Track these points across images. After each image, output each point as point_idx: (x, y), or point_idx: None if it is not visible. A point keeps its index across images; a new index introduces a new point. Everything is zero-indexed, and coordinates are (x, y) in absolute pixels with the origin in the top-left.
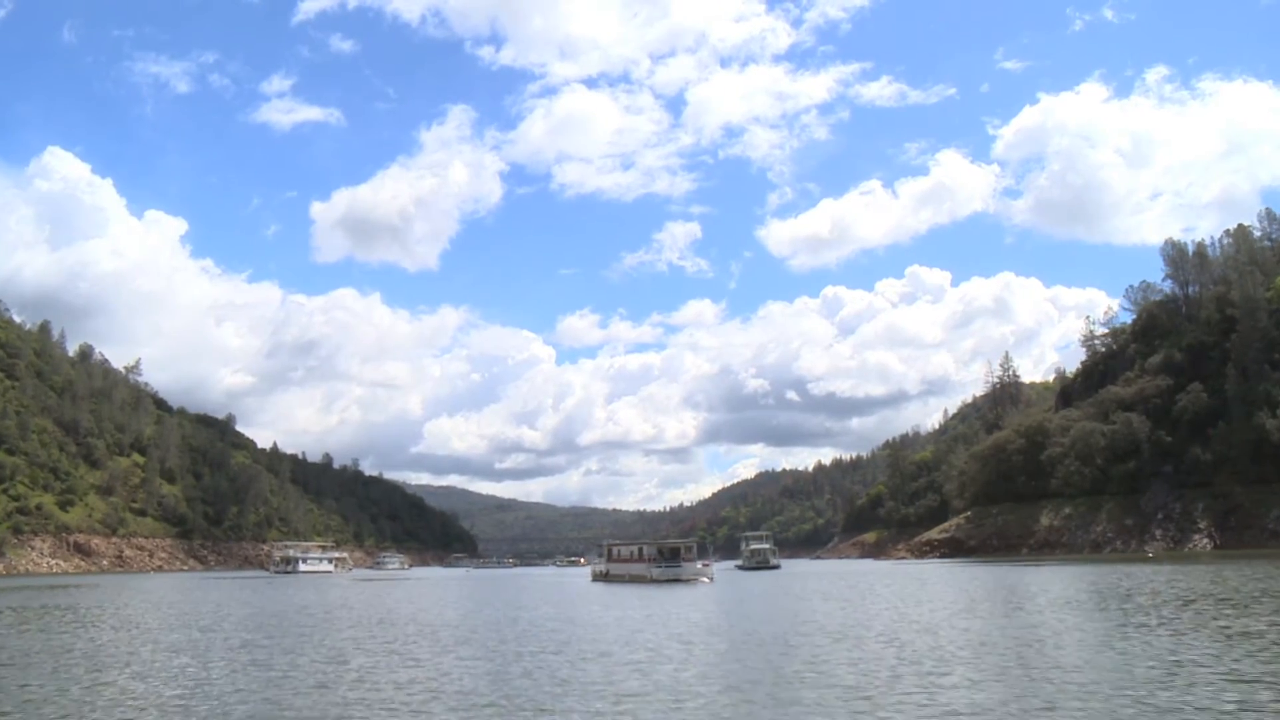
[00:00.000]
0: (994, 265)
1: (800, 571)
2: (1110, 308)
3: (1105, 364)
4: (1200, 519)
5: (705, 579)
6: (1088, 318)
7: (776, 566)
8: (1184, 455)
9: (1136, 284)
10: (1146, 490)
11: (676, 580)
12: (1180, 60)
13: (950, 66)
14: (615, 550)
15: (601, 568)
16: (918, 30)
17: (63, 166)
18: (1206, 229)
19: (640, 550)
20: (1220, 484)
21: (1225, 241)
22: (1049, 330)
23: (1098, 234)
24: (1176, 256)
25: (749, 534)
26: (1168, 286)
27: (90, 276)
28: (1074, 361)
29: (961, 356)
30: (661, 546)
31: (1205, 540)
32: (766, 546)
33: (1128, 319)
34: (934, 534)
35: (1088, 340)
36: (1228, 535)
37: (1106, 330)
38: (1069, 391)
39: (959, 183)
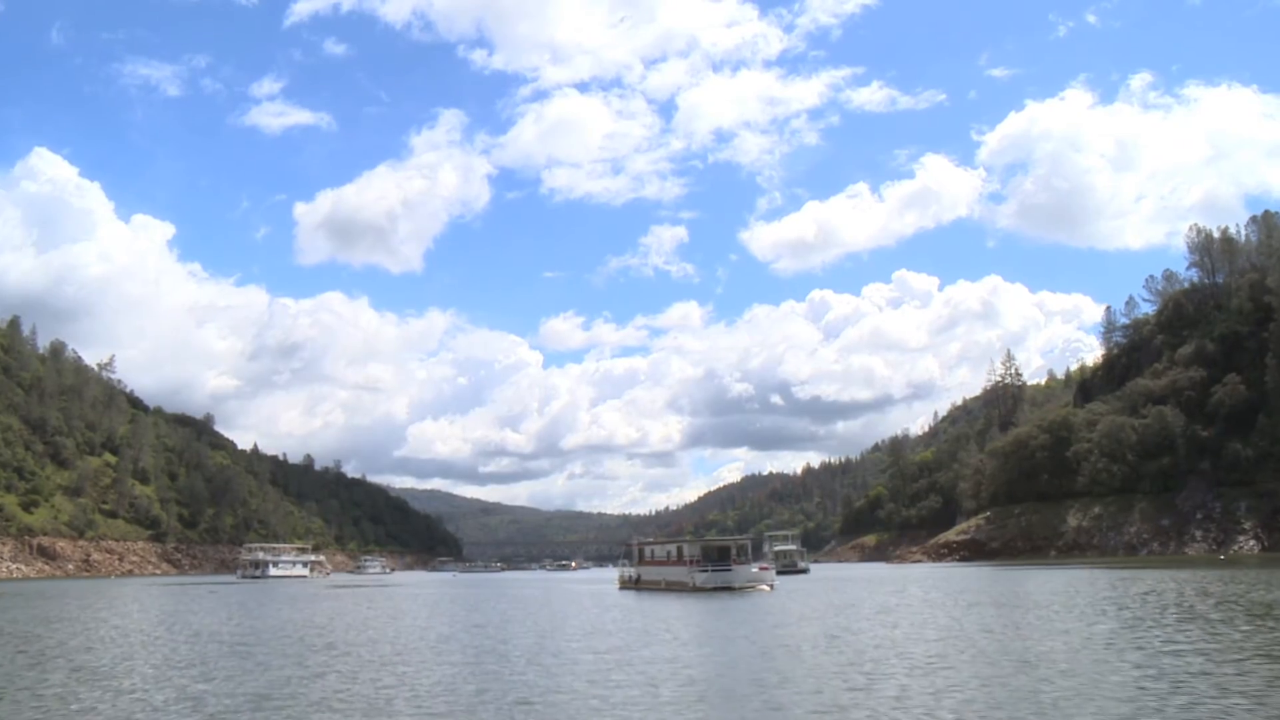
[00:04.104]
0: (979, 269)
1: (831, 576)
2: (1099, 312)
3: (1128, 356)
4: (1244, 519)
5: (765, 586)
6: (1108, 307)
7: (805, 570)
8: (1222, 451)
9: (1159, 274)
10: (1182, 488)
11: (727, 588)
12: (1164, 66)
13: (940, 72)
14: (648, 551)
15: (631, 572)
16: (909, 36)
17: (50, 168)
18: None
19: (679, 551)
20: (1264, 481)
21: (1250, 229)
22: (1035, 335)
23: (1080, 238)
24: (1203, 244)
25: (774, 533)
26: (1192, 276)
27: (76, 280)
28: (1063, 367)
29: (947, 361)
30: (706, 546)
31: (1252, 541)
32: (794, 548)
33: (1148, 310)
34: (951, 535)
35: (1108, 331)
36: (1276, 536)
37: (1128, 321)
38: (1089, 386)
39: (944, 187)
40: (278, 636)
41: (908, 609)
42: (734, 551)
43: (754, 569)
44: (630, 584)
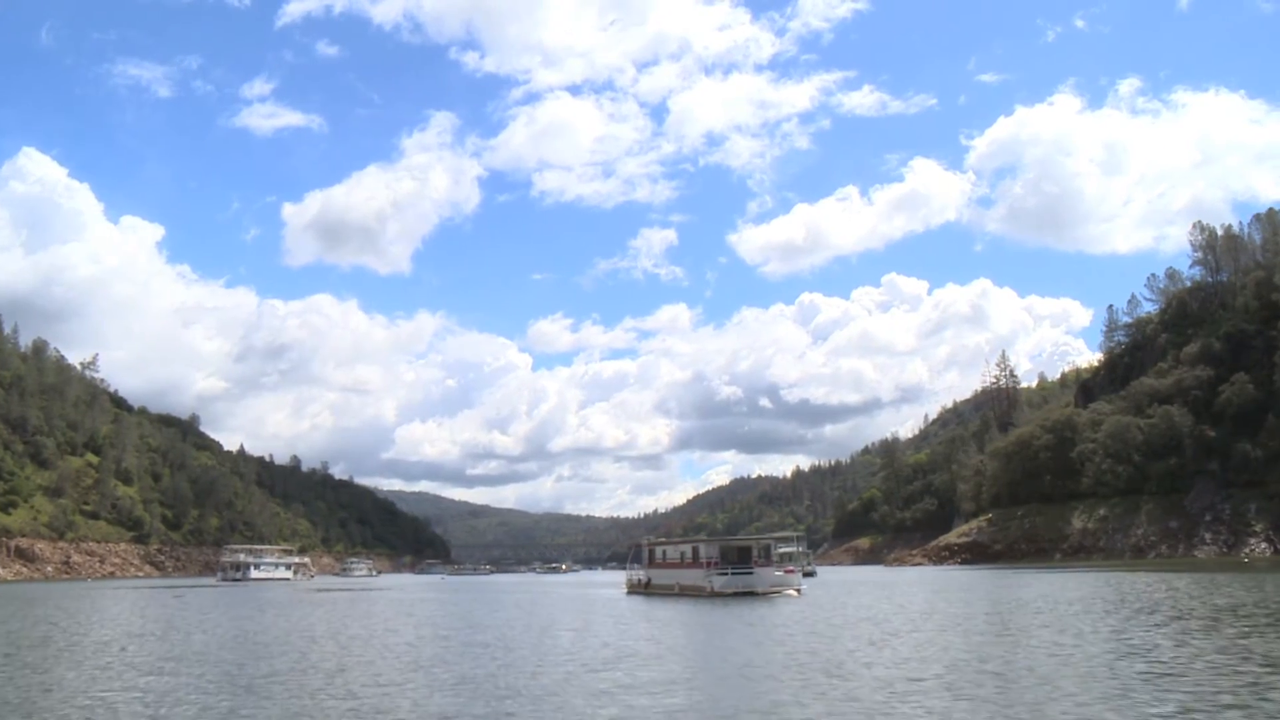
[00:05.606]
0: (968, 273)
1: (842, 580)
2: (1087, 316)
3: (1130, 356)
4: (1255, 521)
5: (791, 591)
6: (1110, 306)
7: (812, 573)
8: (1231, 451)
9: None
10: (1190, 490)
11: (749, 593)
12: (1153, 71)
13: (930, 77)
14: (659, 552)
15: (641, 575)
16: (900, 40)
17: (39, 169)
18: (1179, 237)
19: (695, 552)
20: (1274, 483)
21: (1254, 228)
22: (1024, 339)
23: (1069, 242)
24: (1206, 242)
25: (776, 534)
26: (1194, 275)
27: (65, 281)
28: (1052, 370)
29: (936, 364)
30: (725, 547)
31: (1263, 545)
32: (798, 550)
33: (1150, 309)
34: (952, 538)
35: (1110, 330)
36: None
37: (1130, 320)
38: (1090, 386)
39: (933, 190)
40: (218, 657)
41: (988, 617)
42: (755, 552)
43: (778, 572)
44: (639, 588)
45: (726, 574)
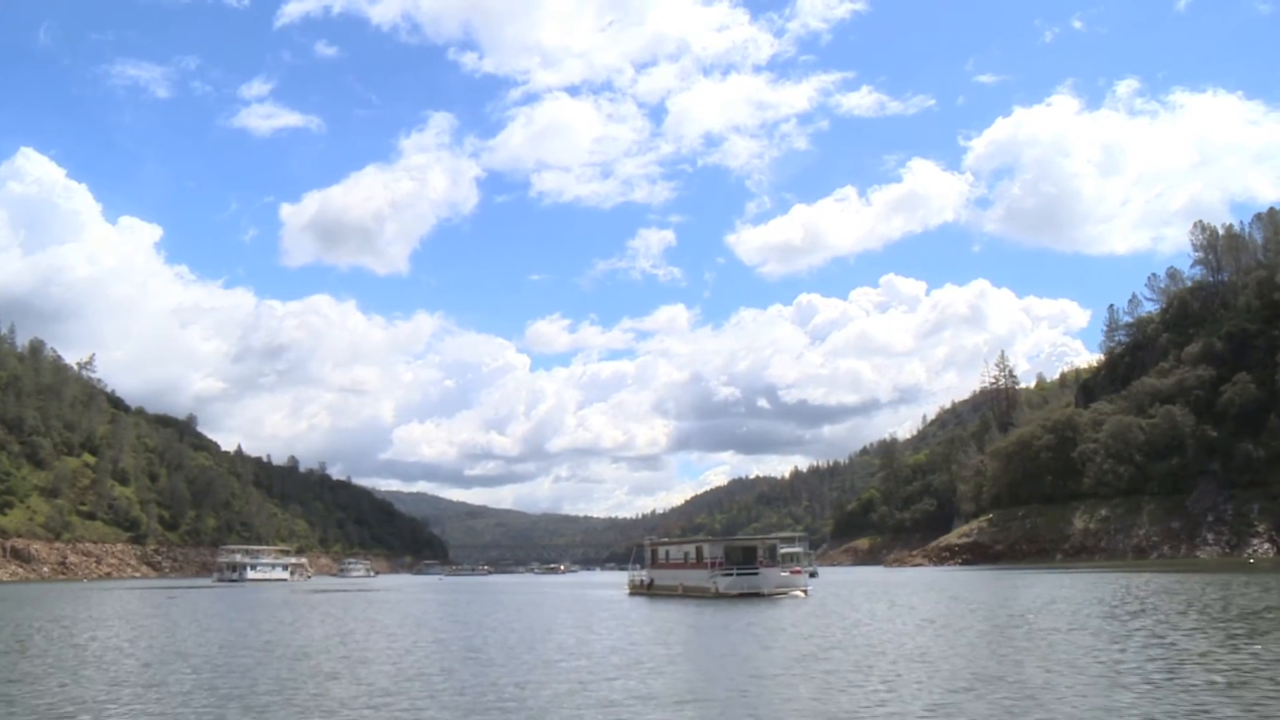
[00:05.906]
0: (966, 274)
1: (846, 581)
2: (1085, 317)
3: (1131, 356)
4: (1257, 521)
5: (798, 592)
6: (1111, 306)
7: (814, 574)
8: (1233, 451)
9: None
10: (1192, 490)
11: (755, 594)
12: (1150, 72)
13: (929, 78)
14: (662, 552)
15: (642, 576)
16: (898, 41)
17: (37, 169)
18: (1176, 237)
19: (698, 552)
20: (1276, 483)
21: (1255, 227)
22: (1022, 339)
23: (1066, 243)
24: (1208, 241)
25: (777, 534)
26: (1195, 274)
27: (63, 282)
28: (1050, 371)
29: (934, 365)
30: (729, 547)
31: (1266, 545)
32: (800, 550)
33: (1151, 309)
34: (953, 538)
35: (1111, 330)
36: None
37: (1131, 320)
38: (1090, 386)
39: (931, 191)
40: (205, 663)
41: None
42: (760, 553)
43: (784, 573)
44: (641, 589)
45: (731, 575)
